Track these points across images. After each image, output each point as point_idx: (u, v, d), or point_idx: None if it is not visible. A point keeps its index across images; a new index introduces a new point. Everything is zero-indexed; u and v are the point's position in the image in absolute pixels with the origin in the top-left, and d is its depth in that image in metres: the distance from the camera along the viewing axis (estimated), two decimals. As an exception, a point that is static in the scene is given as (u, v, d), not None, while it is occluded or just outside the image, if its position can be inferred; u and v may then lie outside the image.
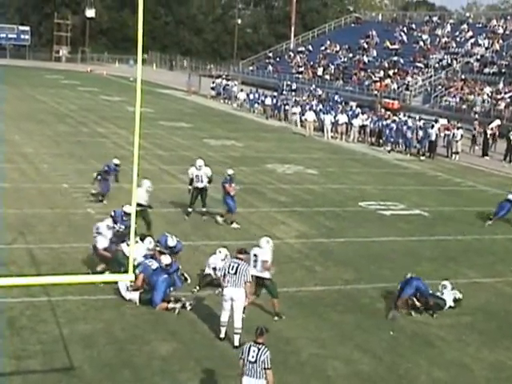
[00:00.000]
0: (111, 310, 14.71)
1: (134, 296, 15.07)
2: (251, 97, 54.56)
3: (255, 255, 14.58)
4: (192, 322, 14.38)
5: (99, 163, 29.47)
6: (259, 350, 10.32)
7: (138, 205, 17.81)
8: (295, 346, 13.62)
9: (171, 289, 15.14)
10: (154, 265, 15.25)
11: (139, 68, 9.50)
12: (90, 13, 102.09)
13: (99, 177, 23.25)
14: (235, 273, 13.29)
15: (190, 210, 22.03)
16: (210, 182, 21.79)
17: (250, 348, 10.36)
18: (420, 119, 41.04)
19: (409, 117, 42.95)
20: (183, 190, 25.24)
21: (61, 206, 22.31)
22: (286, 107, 49.77)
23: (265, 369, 10.24)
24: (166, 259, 15.24)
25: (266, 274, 14.68)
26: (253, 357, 10.27)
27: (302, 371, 12.65)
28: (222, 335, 13.55)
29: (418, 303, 15.54)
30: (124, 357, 12.70)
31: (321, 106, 47.85)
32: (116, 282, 15.15)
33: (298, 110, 47.10)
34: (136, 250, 15.31)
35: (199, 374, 12.26)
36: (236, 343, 13.33)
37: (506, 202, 23.68)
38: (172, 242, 16.67)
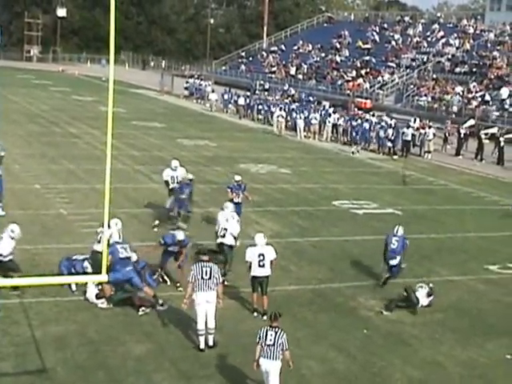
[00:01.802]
0: (84, 311, 14.60)
1: (103, 302, 14.94)
2: (225, 97, 54.47)
3: (262, 255, 14.66)
4: (166, 322, 14.32)
5: (71, 164, 29.40)
6: (276, 333, 11.02)
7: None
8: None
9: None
10: (124, 254, 14.98)
11: (111, 68, 9.45)
12: (61, 12, 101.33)
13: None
14: (210, 277, 13.17)
15: (171, 213, 21.40)
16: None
17: (266, 332, 11.06)
18: (392, 118, 41.32)
19: (388, 116, 43.02)
20: (156, 189, 25.19)
21: (33, 207, 22.12)
22: (259, 107, 49.75)
23: (283, 350, 10.99)
24: (134, 256, 15.22)
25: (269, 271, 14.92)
26: (270, 340, 10.97)
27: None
28: (202, 346, 13.23)
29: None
30: (98, 358, 12.63)
31: (294, 106, 47.94)
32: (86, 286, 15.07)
33: (282, 112, 45.07)
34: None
35: (174, 375, 12.23)
36: (210, 343, 13.32)
37: None
38: (181, 236, 16.30)
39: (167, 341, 13.53)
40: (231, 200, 19.96)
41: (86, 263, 15.99)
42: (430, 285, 16.23)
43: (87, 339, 13.34)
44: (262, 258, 14.65)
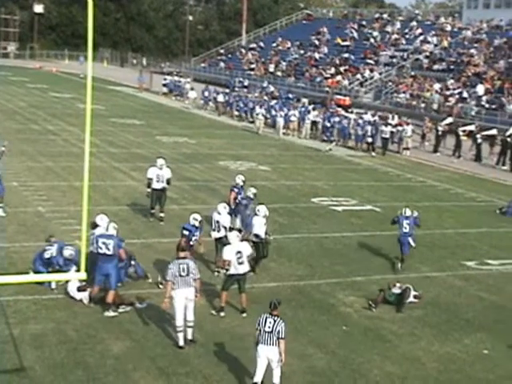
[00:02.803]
0: (63, 309, 14.54)
1: (84, 295, 14.90)
2: (205, 94, 54.34)
3: (239, 252, 14.69)
4: (145, 320, 14.30)
5: (49, 161, 29.24)
6: (275, 321, 11.40)
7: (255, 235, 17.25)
8: (249, 342, 13.61)
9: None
10: (102, 250, 14.86)
11: (90, 65, 9.41)
12: (39, 8, 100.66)
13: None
14: (187, 274, 13.22)
15: (152, 211, 21.29)
16: (168, 183, 21.17)
17: (266, 319, 11.45)
18: (373, 115, 41.47)
19: (378, 115, 43.01)
20: (135, 187, 25.15)
21: (11, 205, 21.94)
22: (239, 104, 49.70)
23: (279, 338, 11.32)
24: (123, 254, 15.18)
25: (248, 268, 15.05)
26: (269, 327, 11.36)
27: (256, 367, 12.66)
28: (181, 343, 13.24)
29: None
30: (76, 356, 12.57)
31: (273, 103, 47.96)
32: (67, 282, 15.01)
33: (262, 110, 44.80)
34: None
35: (153, 372, 12.21)
36: (189, 337, 13.37)
37: None
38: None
39: (146, 338, 13.50)
40: (234, 200, 19.77)
41: (66, 252, 15.94)
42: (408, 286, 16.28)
43: (66, 337, 13.28)
44: (239, 255, 14.69)
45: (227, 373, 12.36)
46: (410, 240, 18.69)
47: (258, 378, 11.52)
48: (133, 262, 16.20)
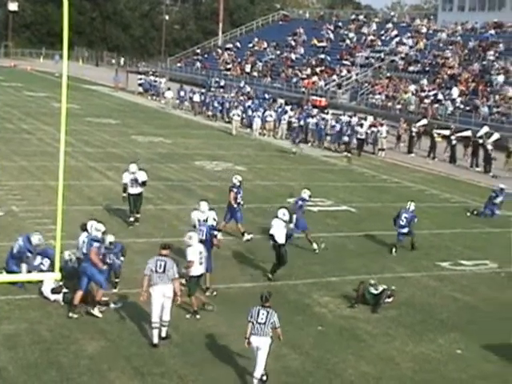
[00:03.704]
0: (37, 309, 14.45)
1: (58, 297, 14.82)
2: (181, 93, 54.23)
3: (201, 252, 14.83)
4: (120, 319, 14.25)
5: (24, 160, 29.02)
6: (268, 312, 11.85)
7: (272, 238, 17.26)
8: (225, 341, 13.65)
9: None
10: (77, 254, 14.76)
11: (65, 63, 9.35)
12: (13, 6, 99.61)
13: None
14: (163, 271, 13.26)
15: (131, 219, 20.97)
16: (143, 184, 20.90)
17: (259, 311, 11.86)
18: (351, 116, 41.67)
19: (358, 117, 43.13)
20: (110, 186, 25.05)
21: (-16, 204, 21.80)
22: (215, 104, 49.64)
23: (275, 328, 11.83)
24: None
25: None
26: (262, 319, 11.78)
27: (231, 367, 12.68)
28: (156, 340, 13.24)
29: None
30: (50, 357, 12.50)
31: (250, 103, 47.97)
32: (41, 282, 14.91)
33: (238, 111, 44.58)
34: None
35: (128, 372, 12.17)
36: (163, 334, 13.39)
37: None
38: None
39: (121, 338, 13.45)
40: (235, 200, 20.26)
41: (38, 259, 15.88)
42: (384, 286, 16.35)
43: (39, 338, 13.20)
44: (201, 255, 14.75)
45: (202, 373, 12.35)
46: (403, 230, 20.32)
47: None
48: (122, 258, 16.05)
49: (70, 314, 14.22)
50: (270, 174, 30.75)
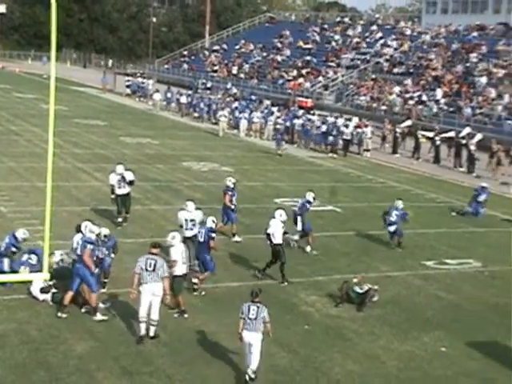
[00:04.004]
0: (25, 309, 14.37)
1: (47, 297, 14.75)
2: (168, 95, 54.18)
3: (183, 251, 14.80)
4: (109, 319, 14.19)
5: (12, 161, 28.89)
6: (258, 308, 12.05)
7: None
8: (213, 340, 13.63)
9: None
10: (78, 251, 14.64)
11: (53, 65, 9.30)
12: (1, 8, 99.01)
13: None
14: (154, 269, 13.30)
15: (119, 219, 20.87)
16: (131, 184, 20.82)
17: (249, 307, 12.07)
18: (337, 117, 41.73)
19: (340, 116, 43.13)
20: (99, 187, 24.97)
21: (-28, 205, 21.69)
22: (202, 105, 49.59)
23: (265, 322, 12.04)
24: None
25: None
26: (253, 314, 12.00)
27: (219, 365, 12.66)
28: (143, 332, 13.34)
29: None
30: (39, 357, 12.44)
31: (237, 105, 47.96)
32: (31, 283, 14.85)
33: (225, 112, 44.45)
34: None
35: (116, 372, 12.13)
36: (151, 334, 13.39)
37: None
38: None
39: (110, 338, 13.41)
40: (230, 202, 20.41)
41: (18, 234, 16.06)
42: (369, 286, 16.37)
43: (28, 337, 13.14)
44: (183, 255, 14.74)
45: (190, 372, 12.33)
46: (392, 228, 20.79)
47: (249, 360, 12.09)
48: (112, 255, 15.97)
49: (59, 314, 14.14)
50: (257, 175, 30.74)
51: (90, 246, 14.37)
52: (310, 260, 18.99)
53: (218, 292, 16.25)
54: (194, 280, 16.06)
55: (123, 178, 20.58)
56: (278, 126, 40.62)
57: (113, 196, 20.76)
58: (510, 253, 20.54)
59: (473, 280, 18.82)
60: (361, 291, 16.00)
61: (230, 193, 20.58)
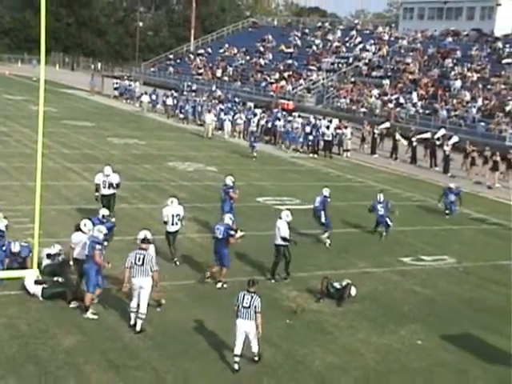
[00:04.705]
0: (15, 305, 14.30)
1: (38, 289, 14.64)
2: (153, 97, 54.13)
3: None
4: (96, 314, 14.14)
5: (2, 161, 28.72)
6: (252, 297, 12.22)
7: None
8: (197, 335, 13.63)
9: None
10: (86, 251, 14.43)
11: (42, 68, 9.28)
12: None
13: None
14: (142, 263, 13.44)
15: None
16: (117, 187, 20.61)
17: (244, 296, 12.26)
18: (320, 119, 41.80)
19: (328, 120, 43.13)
20: (87, 187, 24.83)
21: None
22: (187, 107, 49.49)
23: (256, 312, 12.13)
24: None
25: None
26: (246, 303, 12.17)
27: (203, 359, 12.66)
28: (133, 321, 13.60)
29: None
30: (28, 351, 12.39)
31: (222, 107, 47.95)
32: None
33: (212, 116, 43.84)
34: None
35: (103, 366, 12.10)
36: (138, 328, 13.46)
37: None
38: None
39: (97, 333, 13.37)
40: (231, 198, 20.68)
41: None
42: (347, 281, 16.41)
43: (18, 332, 13.08)
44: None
45: (175, 364, 12.33)
46: (388, 220, 21.63)
47: (238, 349, 12.25)
48: (106, 243, 15.71)
49: (91, 316, 13.99)
50: (240, 175, 30.60)
51: (98, 246, 14.19)
52: (292, 257, 18.98)
53: (203, 288, 16.23)
54: (218, 285, 16.37)
55: (109, 181, 20.33)
56: (251, 129, 40.25)
57: (97, 194, 20.56)
58: (483, 249, 20.71)
59: (448, 276, 18.93)
60: (339, 286, 16.05)
61: (231, 190, 20.86)
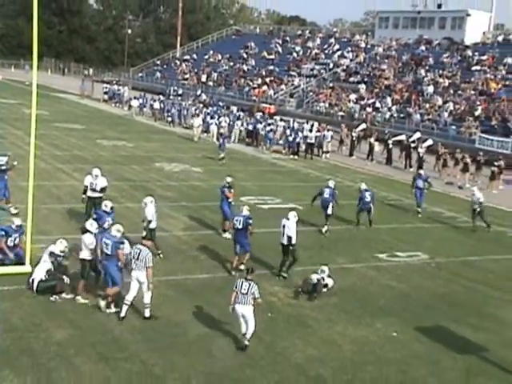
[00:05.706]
0: (9, 300, 14.19)
1: (40, 275, 14.51)
2: (140, 101, 54.03)
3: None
4: (87, 309, 14.08)
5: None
6: (250, 284, 12.68)
7: None
8: (184, 328, 13.60)
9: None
10: (104, 249, 14.11)
11: (34, 73, 9.23)
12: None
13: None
14: (137, 258, 13.54)
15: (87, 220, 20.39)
16: (103, 190, 19.94)
17: (242, 283, 12.70)
18: (303, 123, 41.92)
19: (308, 121, 43.12)
20: (77, 186, 24.66)
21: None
22: (173, 110, 49.40)
23: (255, 298, 12.65)
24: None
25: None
26: (244, 289, 12.62)
27: (189, 351, 12.64)
28: (123, 314, 13.59)
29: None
30: (22, 344, 12.31)
31: (208, 110, 47.94)
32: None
33: (200, 121, 43.25)
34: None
35: (93, 358, 12.05)
36: (147, 315, 13.69)
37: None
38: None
39: (88, 326, 13.30)
40: (227, 198, 20.54)
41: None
42: (325, 273, 16.43)
43: (11, 326, 12.99)
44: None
45: (162, 357, 12.29)
46: (372, 206, 22.72)
47: (243, 329, 12.79)
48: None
49: (114, 310, 13.93)
50: (224, 175, 30.47)
51: (121, 246, 14.13)
52: (273, 253, 19.00)
53: (188, 283, 16.20)
54: (241, 267, 16.70)
55: (97, 184, 19.74)
56: (221, 131, 39.54)
57: (84, 196, 19.86)
58: (454, 246, 20.81)
59: (421, 271, 19.02)
60: (313, 282, 16.07)
61: (226, 189, 20.68)
